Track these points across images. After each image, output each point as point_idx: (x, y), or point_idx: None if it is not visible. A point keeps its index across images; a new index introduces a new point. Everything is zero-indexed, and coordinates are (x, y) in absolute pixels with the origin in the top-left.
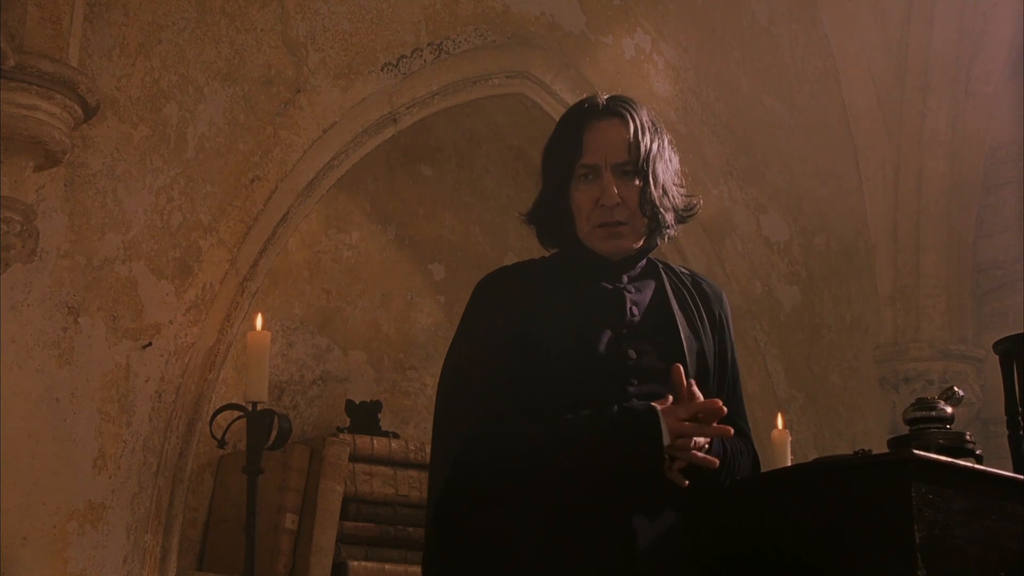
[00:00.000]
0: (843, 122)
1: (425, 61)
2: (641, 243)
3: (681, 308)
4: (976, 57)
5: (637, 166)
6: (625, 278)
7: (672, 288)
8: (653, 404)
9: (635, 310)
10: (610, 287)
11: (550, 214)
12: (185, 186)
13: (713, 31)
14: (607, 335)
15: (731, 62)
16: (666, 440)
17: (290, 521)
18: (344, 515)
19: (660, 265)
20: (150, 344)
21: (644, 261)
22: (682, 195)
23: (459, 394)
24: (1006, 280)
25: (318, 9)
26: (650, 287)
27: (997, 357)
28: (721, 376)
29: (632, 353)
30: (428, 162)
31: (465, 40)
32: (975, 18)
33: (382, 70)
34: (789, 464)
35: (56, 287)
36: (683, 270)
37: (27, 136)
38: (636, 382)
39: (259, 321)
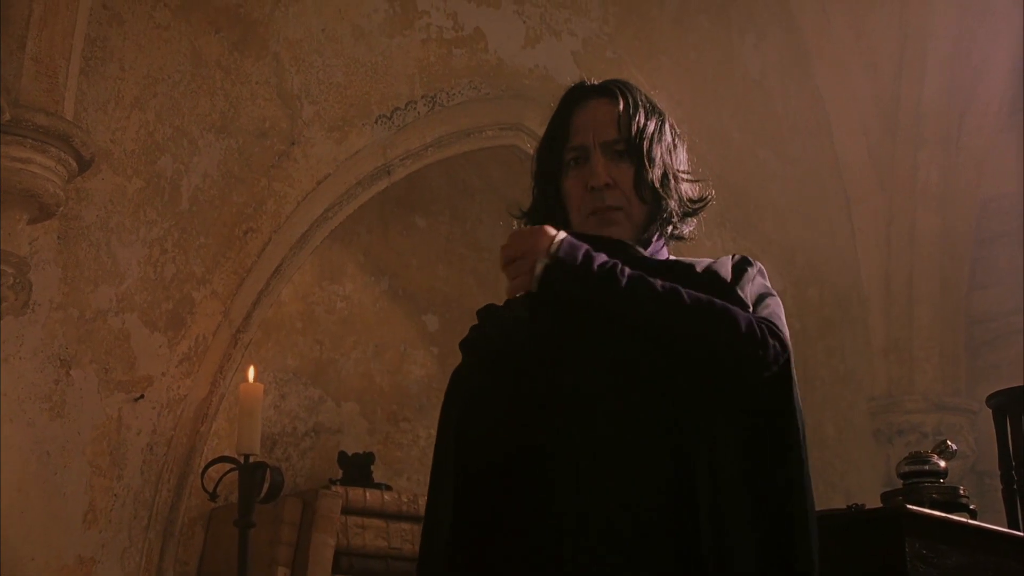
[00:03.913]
0: (835, 174)
1: (419, 113)
2: (643, 236)
3: None
4: (967, 110)
5: (630, 144)
6: None
7: None
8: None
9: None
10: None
11: (543, 213)
12: (179, 238)
13: (706, 84)
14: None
15: (724, 115)
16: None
17: (282, 574)
18: (336, 568)
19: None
20: (142, 396)
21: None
22: (688, 181)
23: (431, 490)
24: (1000, 333)
25: (312, 62)
26: None
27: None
28: None
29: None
30: (422, 213)
31: (459, 93)
32: (966, 72)
33: (376, 122)
34: None
35: (48, 340)
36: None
37: (21, 189)
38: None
39: (251, 373)
